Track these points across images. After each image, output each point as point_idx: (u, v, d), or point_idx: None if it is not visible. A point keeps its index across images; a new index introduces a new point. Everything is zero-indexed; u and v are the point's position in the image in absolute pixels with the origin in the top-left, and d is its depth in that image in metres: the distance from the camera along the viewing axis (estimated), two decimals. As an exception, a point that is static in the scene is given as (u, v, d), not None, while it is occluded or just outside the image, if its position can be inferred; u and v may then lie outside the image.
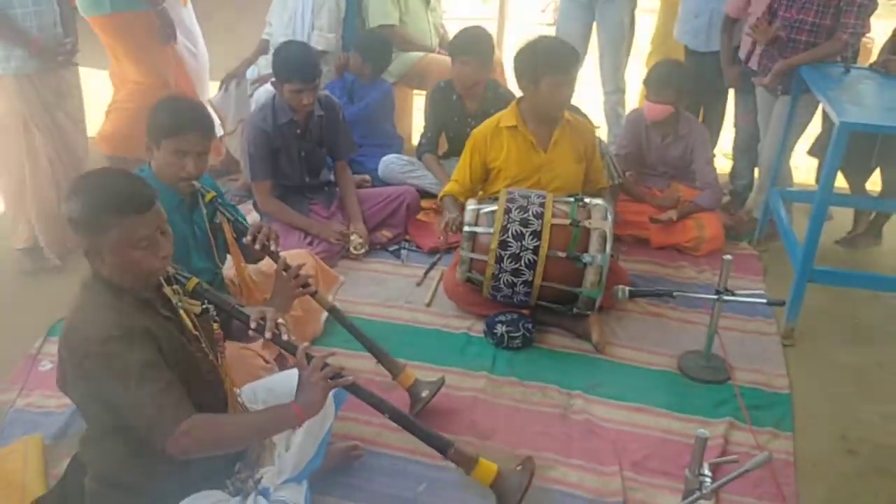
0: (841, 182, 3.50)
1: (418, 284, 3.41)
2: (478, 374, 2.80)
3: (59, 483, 2.12)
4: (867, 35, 3.59)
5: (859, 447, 2.53)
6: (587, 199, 3.01)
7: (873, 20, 3.34)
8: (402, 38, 4.49)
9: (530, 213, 2.89)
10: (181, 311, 1.80)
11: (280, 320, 1.90)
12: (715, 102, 4.16)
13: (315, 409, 1.78)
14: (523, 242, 2.85)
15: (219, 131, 4.13)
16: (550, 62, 3.05)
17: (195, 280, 1.89)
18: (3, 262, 3.52)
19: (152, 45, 3.64)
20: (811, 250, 2.94)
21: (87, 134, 3.47)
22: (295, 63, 3.33)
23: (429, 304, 3.25)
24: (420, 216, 3.88)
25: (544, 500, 2.26)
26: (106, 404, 1.68)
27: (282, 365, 2.64)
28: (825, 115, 3.66)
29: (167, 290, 1.79)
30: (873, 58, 3.69)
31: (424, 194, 3.94)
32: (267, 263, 2.71)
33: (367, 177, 4.09)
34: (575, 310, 2.98)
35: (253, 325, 1.89)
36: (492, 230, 2.89)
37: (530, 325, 2.97)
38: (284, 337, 1.88)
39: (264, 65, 4.31)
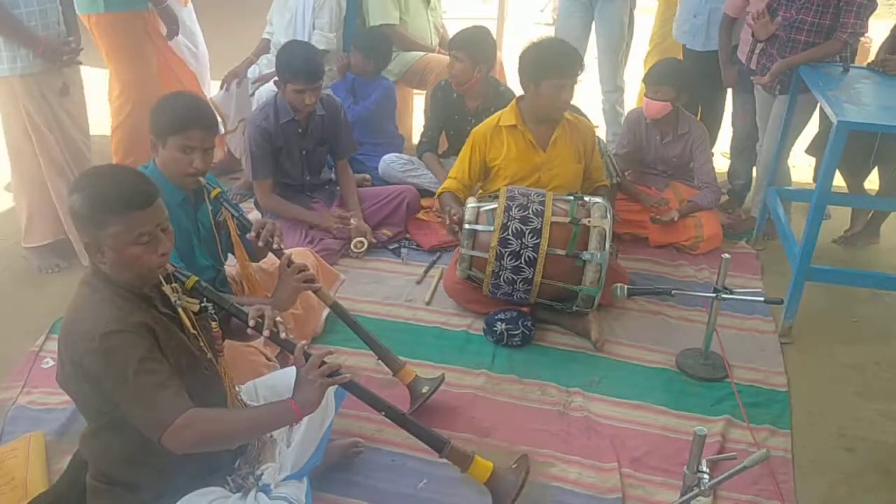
0: (839, 181, 3.51)
1: (418, 283, 3.42)
2: (477, 372, 2.81)
3: (61, 480, 2.13)
4: (865, 35, 3.59)
5: (857, 445, 2.55)
6: (587, 198, 3.03)
7: (872, 20, 3.35)
8: (402, 38, 4.50)
9: (530, 210, 2.90)
10: (179, 310, 1.80)
11: (278, 318, 1.90)
12: (713, 102, 4.17)
13: (312, 406, 1.78)
14: (523, 240, 2.86)
15: (219, 130, 4.13)
16: (552, 64, 3.06)
17: (194, 278, 1.89)
18: (5, 261, 3.54)
19: (145, 46, 3.62)
20: (809, 249, 2.95)
21: (88, 133, 3.48)
22: (298, 64, 3.34)
23: (429, 302, 3.26)
24: (420, 215, 3.88)
25: (543, 497, 2.27)
26: (105, 399, 1.69)
27: (283, 362, 2.65)
28: (823, 115, 3.67)
29: (166, 288, 1.79)
30: (871, 57, 3.70)
31: (424, 193, 3.95)
32: (269, 261, 2.73)
33: (368, 176, 4.10)
34: (574, 308, 3.00)
35: (251, 323, 1.89)
36: (492, 228, 2.90)
37: (530, 323, 2.98)
38: (283, 335, 1.89)
39: (265, 64, 4.32)
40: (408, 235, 3.78)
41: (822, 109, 3.53)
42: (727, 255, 2.70)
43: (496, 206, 2.95)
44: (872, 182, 3.85)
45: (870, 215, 3.90)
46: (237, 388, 2.02)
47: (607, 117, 4.65)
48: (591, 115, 3.90)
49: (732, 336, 3.06)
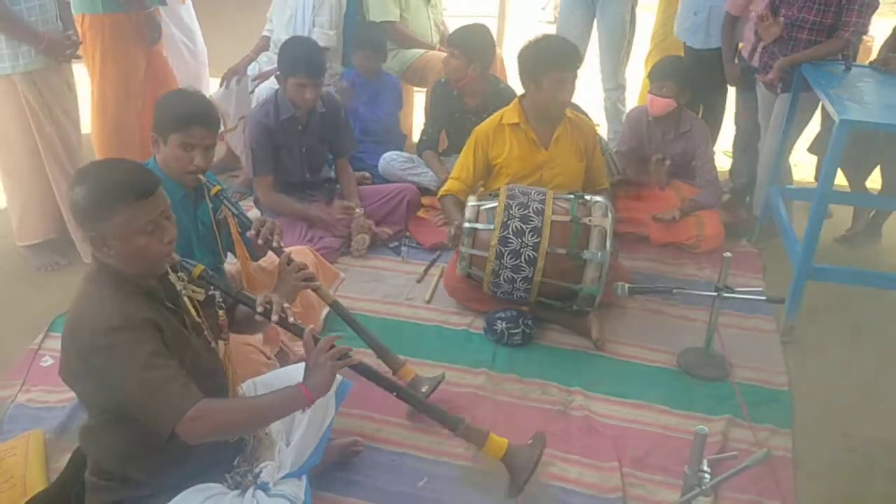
0: (841, 180, 3.50)
1: (418, 281, 3.41)
2: (478, 371, 2.81)
3: (60, 477, 2.12)
4: (867, 34, 3.59)
5: (858, 444, 2.54)
6: (587, 196, 3.02)
7: (874, 18, 3.35)
8: (402, 35, 4.49)
9: (531, 209, 2.89)
10: (185, 300, 1.80)
11: (286, 304, 1.92)
12: (714, 100, 4.16)
13: (323, 390, 1.79)
14: (524, 239, 2.86)
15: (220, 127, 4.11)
16: (553, 59, 3.06)
17: (201, 266, 1.89)
18: (3, 259, 3.53)
19: (136, 49, 3.58)
20: (811, 248, 2.94)
21: (80, 130, 3.47)
22: (301, 58, 3.35)
23: (429, 301, 3.26)
24: (420, 213, 3.88)
25: (544, 496, 2.27)
26: (110, 394, 1.69)
27: (282, 361, 2.65)
28: (825, 113, 3.66)
29: (172, 277, 1.80)
30: (873, 56, 3.69)
31: (424, 191, 3.94)
32: (268, 259, 2.72)
33: (367, 174, 4.09)
34: (575, 306, 2.99)
35: (259, 309, 1.90)
36: (492, 226, 2.90)
37: (530, 322, 2.98)
38: (291, 320, 1.90)
39: (265, 61, 4.32)
40: (408, 234, 3.78)
41: (823, 108, 3.52)
42: (729, 254, 2.70)
43: (496, 204, 2.94)
44: (874, 181, 3.84)
45: (872, 214, 3.89)
46: (241, 388, 2.02)
47: (609, 115, 4.64)
48: (592, 113, 3.89)
49: (734, 335, 3.06)
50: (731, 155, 4.30)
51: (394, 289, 3.35)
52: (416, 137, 4.38)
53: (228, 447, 1.93)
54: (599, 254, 2.85)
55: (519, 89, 3.34)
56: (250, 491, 1.84)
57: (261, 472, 1.90)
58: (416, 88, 4.91)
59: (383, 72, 4.33)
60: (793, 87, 3.45)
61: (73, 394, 2.32)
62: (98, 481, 1.85)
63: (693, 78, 3.68)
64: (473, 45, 3.81)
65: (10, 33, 3.04)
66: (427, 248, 3.67)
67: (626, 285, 2.77)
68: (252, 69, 4.32)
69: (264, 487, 1.86)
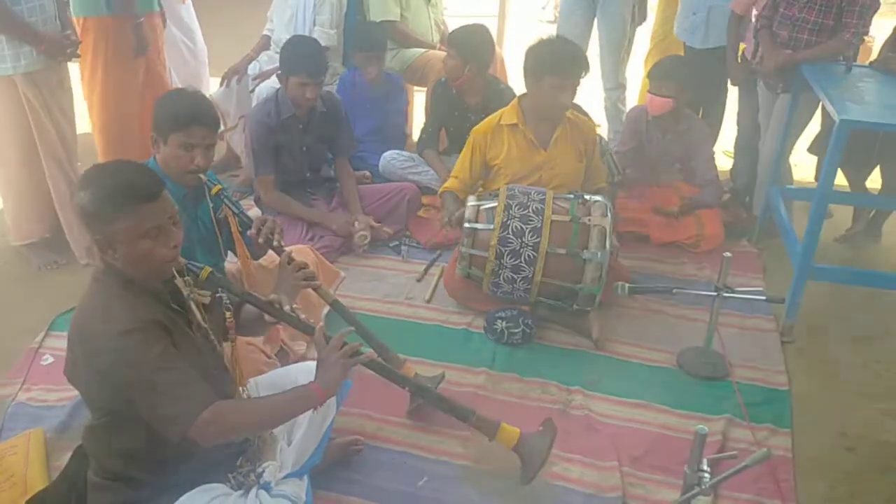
0: (841, 180, 3.50)
1: (419, 280, 3.42)
2: (478, 370, 2.81)
3: (61, 476, 2.12)
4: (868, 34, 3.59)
5: (858, 444, 2.54)
6: (587, 196, 3.02)
7: (875, 19, 3.35)
8: (403, 34, 4.49)
9: (530, 209, 2.89)
10: (191, 303, 1.80)
11: (295, 304, 1.92)
12: (714, 99, 4.16)
13: (335, 387, 1.80)
14: (523, 239, 2.86)
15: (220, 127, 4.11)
16: (554, 63, 3.05)
17: (208, 269, 1.90)
18: (3, 259, 3.53)
19: (128, 54, 3.57)
20: (811, 248, 2.95)
21: (76, 130, 3.47)
22: (304, 57, 3.36)
23: (429, 300, 3.26)
24: (420, 212, 3.88)
25: (544, 495, 2.27)
26: (113, 396, 1.68)
27: (283, 360, 2.65)
28: (825, 113, 3.66)
29: (179, 281, 1.80)
30: (874, 56, 3.69)
31: (425, 190, 3.94)
32: (269, 259, 2.72)
33: (368, 173, 4.09)
34: (575, 306, 2.99)
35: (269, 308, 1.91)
36: (492, 226, 2.90)
37: (530, 322, 2.98)
38: (303, 317, 1.91)
39: (266, 60, 4.32)
40: (408, 233, 3.78)
41: (824, 108, 3.52)
42: (728, 254, 2.70)
43: (496, 204, 2.94)
44: (874, 181, 3.84)
45: (872, 214, 3.89)
46: (244, 388, 2.02)
47: (609, 115, 4.64)
48: (592, 112, 3.89)
49: (734, 335, 3.06)
50: (731, 155, 4.30)
51: (394, 288, 3.35)
52: (416, 136, 4.38)
53: (232, 447, 1.93)
54: (599, 253, 2.85)
55: (519, 89, 3.34)
56: (253, 491, 1.84)
57: (263, 471, 1.90)
58: (416, 88, 4.91)
59: (385, 72, 4.32)
60: (793, 87, 3.45)
61: (73, 392, 2.33)
62: (101, 481, 1.85)
63: (693, 77, 3.68)
64: (470, 45, 3.81)
65: (11, 34, 3.04)
66: (427, 247, 3.66)
67: (626, 285, 2.77)
68: (252, 68, 4.32)
69: (267, 487, 1.86)
